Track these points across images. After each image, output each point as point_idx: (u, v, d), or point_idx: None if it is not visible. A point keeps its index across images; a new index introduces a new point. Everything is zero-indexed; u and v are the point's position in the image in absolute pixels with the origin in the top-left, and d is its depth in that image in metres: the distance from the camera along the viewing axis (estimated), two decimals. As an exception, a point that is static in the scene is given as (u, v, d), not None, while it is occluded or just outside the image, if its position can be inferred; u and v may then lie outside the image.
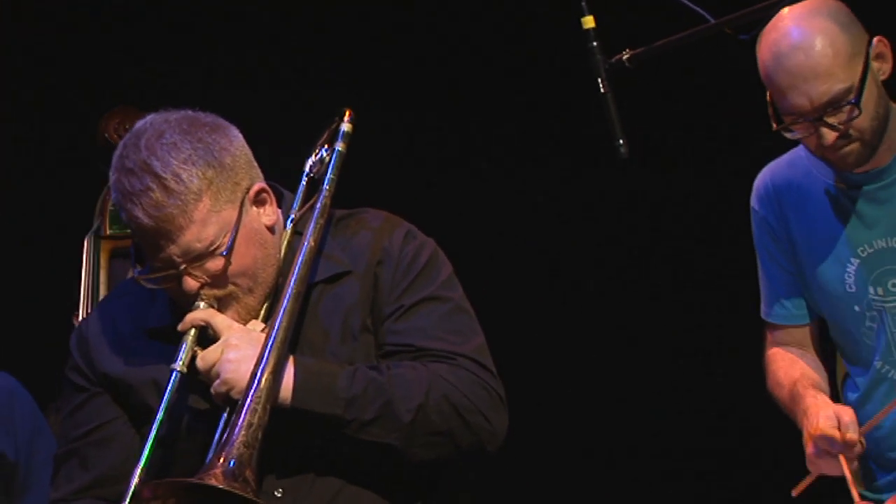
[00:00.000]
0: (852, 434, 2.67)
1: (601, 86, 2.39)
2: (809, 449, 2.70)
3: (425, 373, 2.32)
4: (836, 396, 2.97)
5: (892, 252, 2.80)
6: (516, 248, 4.69)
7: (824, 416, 2.71)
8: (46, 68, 4.49)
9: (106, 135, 3.42)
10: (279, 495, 2.35)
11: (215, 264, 2.30)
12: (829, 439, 2.66)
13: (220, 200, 2.28)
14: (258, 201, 2.36)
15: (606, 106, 2.40)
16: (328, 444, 2.35)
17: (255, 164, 2.39)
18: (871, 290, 2.82)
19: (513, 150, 4.83)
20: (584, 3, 2.40)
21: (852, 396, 2.94)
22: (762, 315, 3.03)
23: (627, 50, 2.39)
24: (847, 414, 2.70)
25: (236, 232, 2.30)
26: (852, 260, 2.83)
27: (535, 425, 4.78)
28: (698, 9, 2.36)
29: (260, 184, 2.37)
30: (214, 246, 2.29)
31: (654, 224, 4.80)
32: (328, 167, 2.44)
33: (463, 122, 4.77)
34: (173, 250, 2.27)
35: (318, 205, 2.40)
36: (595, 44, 2.40)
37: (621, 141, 2.39)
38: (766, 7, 2.37)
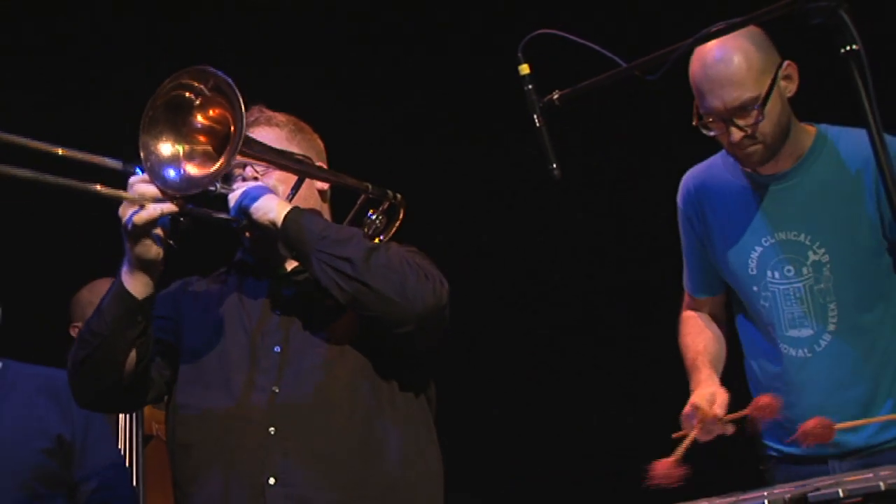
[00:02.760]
0: (717, 410, 2.87)
1: (536, 120, 2.51)
2: (686, 409, 2.91)
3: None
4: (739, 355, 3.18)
5: (790, 243, 2.97)
6: (474, 257, 4.93)
7: (703, 391, 2.93)
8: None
9: None
10: (276, 390, 2.59)
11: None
12: (697, 409, 2.87)
13: (292, 139, 2.75)
14: None
15: (541, 137, 2.52)
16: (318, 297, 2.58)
17: (327, 164, 2.81)
18: (769, 273, 3.00)
19: (465, 172, 5.03)
20: (520, 54, 2.52)
21: (750, 367, 3.15)
22: (684, 286, 3.24)
23: (557, 91, 2.51)
24: (721, 396, 2.91)
25: (299, 184, 2.72)
26: (756, 248, 3.01)
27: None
28: (613, 56, 2.49)
29: (322, 164, 2.80)
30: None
31: (586, 228, 5.02)
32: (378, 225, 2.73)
33: (431, 150, 4.99)
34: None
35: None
36: (530, 86, 2.52)
37: (554, 165, 2.51)
38: (667, 52, 2.42)
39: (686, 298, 3.26)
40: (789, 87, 2.91)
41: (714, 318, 3.23)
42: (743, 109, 2.84)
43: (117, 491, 3.44)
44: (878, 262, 2.95)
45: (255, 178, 2.70)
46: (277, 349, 2.63)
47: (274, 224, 2.57)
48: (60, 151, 2.46)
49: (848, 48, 2.13)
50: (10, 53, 4.99)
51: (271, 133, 2.74)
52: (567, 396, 5.03)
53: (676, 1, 4.93)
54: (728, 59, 2.83)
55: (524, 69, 2.53)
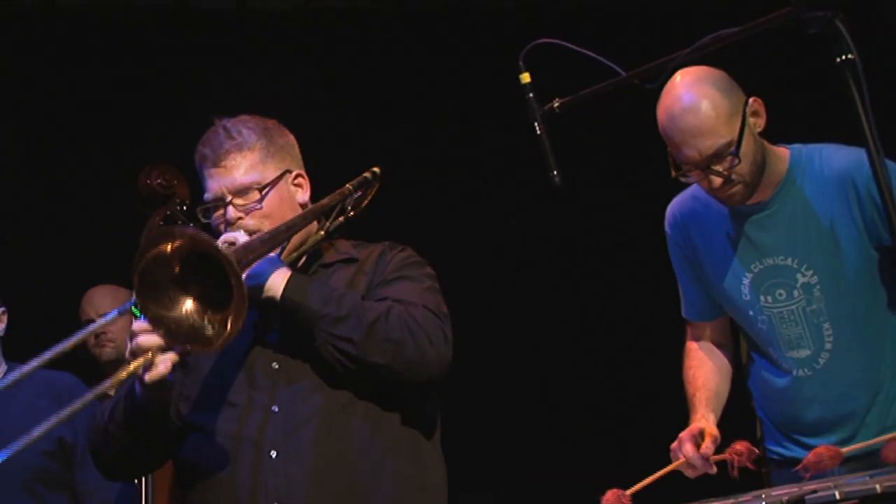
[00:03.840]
0: (704, 450, 2.87)
1: (537, 128, 2.50)
2: (674, 444, 2.92)
3: (390, 303, 2.54)
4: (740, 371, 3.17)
5: (778, 268, 2.95)
6: (477, 257, 4.96)
7: (694, 429, 2.93)
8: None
9: (148, 181, 3.60)
10: (275, 409, 2.56)
11: (249, 198, 2.63)
12: (684, 445, 2.89)
13: (267, 158, 2.63)
14: (295, 183, 2.71)
15: (542, 144, 2.50)
16: (313, 351, 2.51)
17: (301, 161, 2.72)
18: (761, 298, 2.98)
19: (472, 179, 5.04)
20: (521, 63, 2.52)
21: (755, 375, 3.13)
22: (682, 313, 3.21)
23: (557, 99, 2.50)
24: (709, 436, 2.91)
25: (271, 187, 2.63)
26: (746, 274, 2.99)
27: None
28: (612, 64, 2.48)
29: (299, 171, 2.71)
30: (251, 183, 2.62)
31: (582, 234, 5.07)
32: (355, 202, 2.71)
33: (433, 156, 5.01)
34: (226, 183, 2.62)
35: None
36: (531, 95, 2.51)
37: (555, 172, 2.50)
38: (664, 62, 2.42)
39: (687, 328, 3.23)
40: (758, 123, 2.87)
41: (718, 344, 3.20)
42: (718, 156, 2.80)
43: (118, 492, 3.43)
44: (869, 276, 2.92)
45: (240, 218, 2.63)
46: (275, 366, 2.60)
47: (272, 300, 2.54)
48: (72, 345, 2.44)
49: (844, 57, 2.12)
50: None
51: (244, 161, 2.65)
52: (568, 400, 5.04)
53: (675, 12, 4.95)
54: (695, 109, 2.80)
55: (525, 78, 2.53)
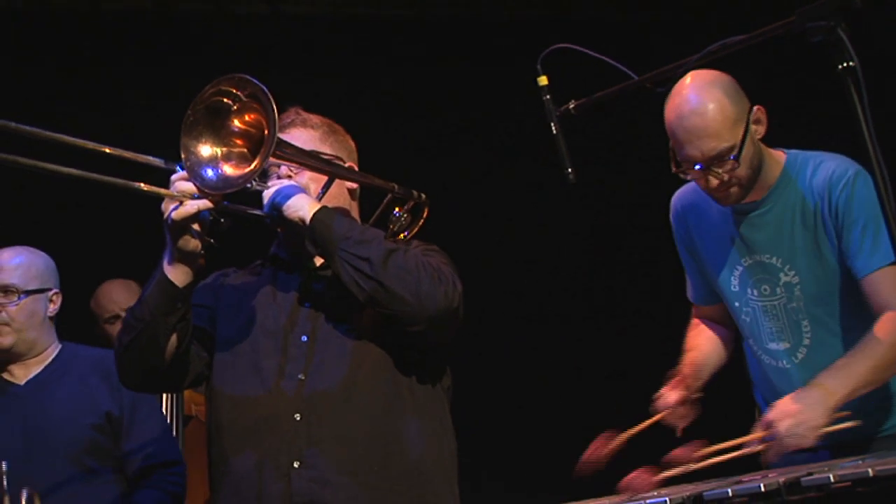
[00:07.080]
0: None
1: (553, 128, 2.52)
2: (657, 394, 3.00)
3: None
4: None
5: (764, 265, 2.95)
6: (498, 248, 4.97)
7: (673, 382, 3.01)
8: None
9: None
10: (302, 377, 2.59)
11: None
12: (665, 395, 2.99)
13: (325, 140, 2.74)
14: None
15: (558, 143, 2.52)
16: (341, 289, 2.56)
17: (357, 162, 2.81)
18: (749, 291, 2.99)
19: (491, 176, 5.05)
20: (538, 67, 2.54)
21: (750, 361, 3.13)
22: (688, 296, 3.25)
23: (573, 101, 2.52)
24: (670, 397, 2.99)
25: (329, 183, 2.70)
26: (737, 268, 3.00)
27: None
28: (625, 69, 2.50)
29: (353, 164, 2.80)
30: (308, 151, 2.69)
31: (596, 227, 5.07)
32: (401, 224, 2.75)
33: (454, 157, 5.03)
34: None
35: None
36: (548, 97, 2.53)
37: (570, 169, 2.52)
38: (674, 67, 2.45)
39: (693, 308, 3.26)
40: (759, 130, 2.86)
41: (719, 321, 3.21)
42: (719, 159, 2.80)
43: (163, 458, 3.46)
44: (847, 280, 2.89)
45: (289, 177, 2.70)
46: (304, 339, 2.64)
47: (303, 221, 2.58)
48: (108, 150, 2.48)
49: (845, 65, 2.12)
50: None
51: (305, 134, 2.75)
52: (575, 387, 5.05)
53: (683, 20, 4.95)
54: (703, 111, 2.78)
55: (542, 80, 2.54)
